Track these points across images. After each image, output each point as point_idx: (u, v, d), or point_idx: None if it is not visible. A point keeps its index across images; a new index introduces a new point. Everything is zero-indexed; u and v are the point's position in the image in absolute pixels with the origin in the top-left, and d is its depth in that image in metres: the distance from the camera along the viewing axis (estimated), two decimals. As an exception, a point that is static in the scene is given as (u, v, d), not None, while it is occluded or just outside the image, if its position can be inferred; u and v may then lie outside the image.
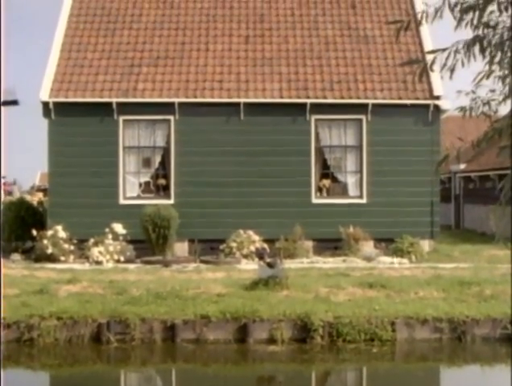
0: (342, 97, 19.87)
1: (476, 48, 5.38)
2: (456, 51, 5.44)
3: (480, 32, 5.42)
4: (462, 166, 30.40)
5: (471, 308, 12.04)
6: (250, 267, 16.33)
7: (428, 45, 20.37)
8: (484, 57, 5.45)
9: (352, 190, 20.18)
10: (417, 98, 19.71)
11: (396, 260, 18.23)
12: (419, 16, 5.72)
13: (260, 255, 17.90)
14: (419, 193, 19.71)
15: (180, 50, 21.02)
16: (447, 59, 5.50)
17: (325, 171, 20.20)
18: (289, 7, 22.55)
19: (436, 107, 19.63)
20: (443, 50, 5.56)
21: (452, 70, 5.49)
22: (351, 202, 19.92)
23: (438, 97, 19.52)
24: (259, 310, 11.48)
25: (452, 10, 5.53)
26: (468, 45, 5.37)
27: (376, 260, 18.26)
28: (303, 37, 21.55)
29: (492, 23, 5.45)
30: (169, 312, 11.50)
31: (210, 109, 19.66)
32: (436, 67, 5.87)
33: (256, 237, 18.88)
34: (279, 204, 19.53)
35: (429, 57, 5.77)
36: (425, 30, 20.59)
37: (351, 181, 20.22)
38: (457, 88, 5.71)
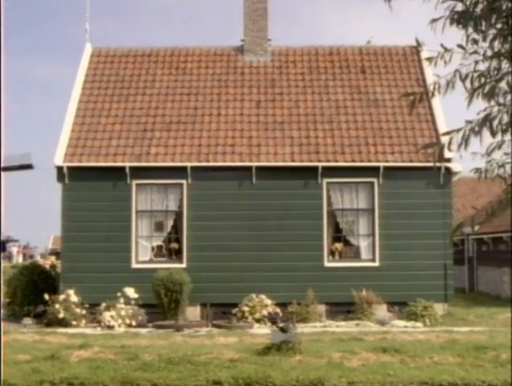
0: (353, 161, 19.99)
1: (486, 128, 5.43)
2: (472, 130, 5.46)
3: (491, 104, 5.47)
4: (475, 228, 30.29)
5: (487, 373, 11.84)
6: (263, 331, 16.20)
7: (437, 107, 20.57)
8: (494, 137, 5.49)
9: (364, 253, 20.12)
10: (428, 161, 19.74)
11: (410, 324, 18.04)
12: (430, 88, 5.76)
13: (273, 319, 17.85)
14: (432, 256, 19.61)
15: (192, 115, 21.30)
16: (463, 138, 5.51)
17: (337, 235, 20.19)
18: (300, 72, 22.88)
19: (448, 169, 19.68)
20: (458, 130, 5.57)
21: (467, 141, 5.51)
22: (363, 265, 19.84)
23: (449, 160, 19.57)
24: (272, 375, 11.34)
25: (463, 81, 5.57)
26: (480, 124, 5.41)
27: (389, 324, 18.08)
28: (314, 101, 21.80)
29: (501, 100, 5.50)
30: (181, 378, 11.38)
31: (222, 173, 19.80)
32: (453, 146, 5.88)
33: (268, 301, 18.77)
34: (292, 268, 19.47)
35: (444, 139, 5.79)
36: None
37: (363, 244, 20.17)
38: (470, 149, 5.73)
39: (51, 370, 11.59)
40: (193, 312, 19.22)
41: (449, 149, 5.76)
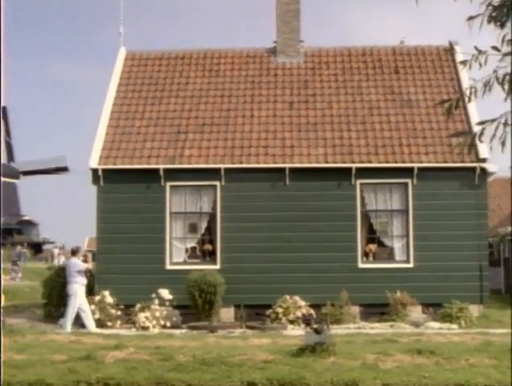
0: (387, 161, 19.90)
1: None
2: (506, 123, 5.41)
3: None
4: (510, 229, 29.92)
5: (524, 376, 11.69)
6: (297, 333, 16.18)
7: (472, 107, 20.37)
8: None
9: (398, 254, 20.02)
10: (463, 161, 19.60)
11: (445, 325, 17.91)
12: (467, 92, 5.71)
13: (307, 321, 17.84)
14: (467, 257, 19.44)
15: (226, 116, 21.37)
16: (496, 130, 5.45)
17: (371, 236, 20.11)
18: (333, 73, 22.84)
19: (483, 170, 19.50)
20: (492, 121, 5.52)
21: (504, 143, 5.45)
22: (398, 266, 19.73)
23: (484, 160, 19.39)
24: (306, 377, 11.33)
25: (500, 83, 5.51)
26: None
27: (424, 326, 17.97)
28: (347, 102, 21.75)
29: None
30: (215, 379, 11.41)
31: (255, 175, 19.84)
32: (485, 138, 5.82)
33: (302, 303, 18.76)
34: (325, 269, 19.44)
35: (477, 128, 5.74)
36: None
37: (397, 245, 20.07)
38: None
39: (87, 370, 11.70)
40: (227, 313, 19.28)
41: (480, 141, 5.71)
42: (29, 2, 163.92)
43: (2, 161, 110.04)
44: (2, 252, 12.90)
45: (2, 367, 10.31)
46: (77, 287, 18.16)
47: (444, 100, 6.05)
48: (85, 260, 19.02)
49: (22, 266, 57.91)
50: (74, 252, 18.94)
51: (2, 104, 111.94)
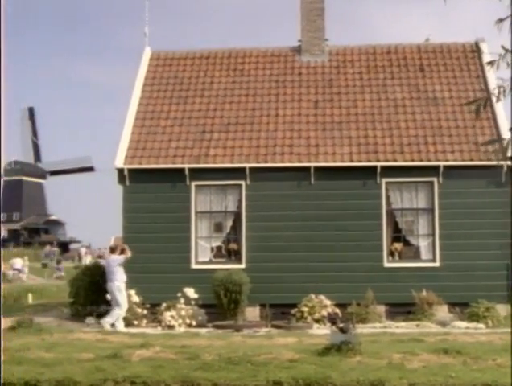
0: (412, 160, 19.80)
1: None
2: None
3: None
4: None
5: (552, 376, 11.59)
6: (322, 332, 16.17)
7: (498, 105, 20.17)
8: None
9: (424, 253, 19.91)
10: (489, 159, 19.43)
11: (471, 325, 17.79)
12: (495, 92, 5.67)
13: (332, 320, 17.82)
14: (494, 256, 19.27)
15: (251, 116, 21.39)
16: None
17: (397, 235, 20.01)
18: (357, 72, 22.78)
19: (509, 168, 19.32)
20: None
21: None
22: (424, 265, 19.63)
23: (511, 158, 19.20)
24: (331, 376, 11.32)
25: None
26: None
27: (450, 325, 17.86)
28: (372, 100, 21.67)
29: None
30: (241, 378, 11.44)
31: (280, 174, 19.84)
32: None
33: (328, 302, 18.74)
34: (351, 268, 19.40)
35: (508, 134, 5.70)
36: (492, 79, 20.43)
37: (423, 244, 19.96)
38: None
39: (114, 368, 11.79)
40: (252, 312, 19.30)
41: None
42: (54, 4, 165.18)
43: (30, 161, 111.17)
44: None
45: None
46: (120, 284, 18.19)
47: (472, 101, 6.04)
48: (122, 252, 18.78)
49: (50, 265, 58.48)
50: (113, 250, 18.82)
51: (29, 105, 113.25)
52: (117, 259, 18.45)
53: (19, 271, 52.10)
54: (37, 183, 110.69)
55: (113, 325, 18.00)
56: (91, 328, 17.75)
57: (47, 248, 74.41)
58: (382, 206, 19.76)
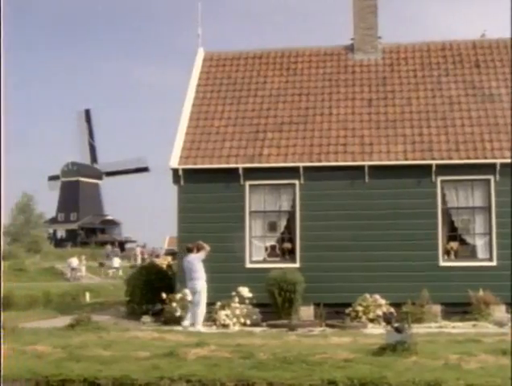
0: (468, 158, 19.53)
1: None
2: None
3: None
4: None
5: None
6: (377, 331, 16.07)
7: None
8: None
9: (481, 252, 19.61)
10: (548, 156, 19.05)
11: (530, 325, 17.48)
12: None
13: (387, 319, 17.67)
14: (553, 255, 18.89)
15: (304, 115, 21.38)
16: None
17: (452, 234, 19.77)
18: (411, 69, 22.58)
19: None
20: None
21: None
22: (480, 265, 19.35)
23: None
24: (387, 376, 11.24)
25: None
26: None
27: (508, 326, 17.56)
28: (426, 98, 21.46)
29: None
30: (296, 377, 11.44)
31: (334, 173, 19.77)
32: None
33: (382, 301, 18.62)
34: (406, 267, 19.23)
35: None
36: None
37: (480, 243, 19.67)
38: None
39: (170, 367, 11.90)
40: (307, 311, 19.28)
41: None
42: (108, 6, 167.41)
43: (86, 162, 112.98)
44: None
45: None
46: (203, 283, 18.09)
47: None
48: (199, 250, 18.64)
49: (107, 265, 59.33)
50: (189, 250, 18.49)
51: (86, 107, 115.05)
52: (197, 257, 18.23)
53: (76, 270, 53.10)
54: (93, 184, 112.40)
55: (192, 325, 17.89)
56: (147, 326, 17.96)
57: (108, 247, 75.57)
58: (438, 204, 19.54)
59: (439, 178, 19.53)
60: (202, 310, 18.08)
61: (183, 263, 18.51)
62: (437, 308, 18.88)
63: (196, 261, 18.18)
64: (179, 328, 17.66)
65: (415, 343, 12.92)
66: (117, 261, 49.05)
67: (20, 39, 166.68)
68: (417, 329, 15.40)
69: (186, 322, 18.01)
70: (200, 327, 17.65)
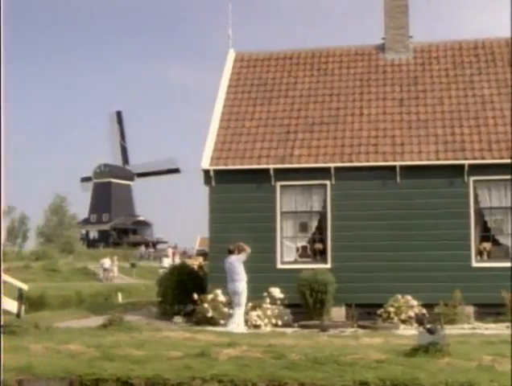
0: (502, 157, 19.32)
1: None
2: None
3: None
4: None
5: None
6: (409, 333, 15.97)
7: None
8: None
9: (515, 253, 19.41)
10: None
11: None
12: None
13: (420, 320, 17.56)
14: None
15: (335, 115, 21.33)
16: None
17: (485, 234, 19.58)
18: (443, 68, 22.43)
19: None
20: None
21: None
22: (514, 265, 19.12)
23: None
24: (419, 377, 11.18)
25: None
26: None
27: (543, 327, 17.34)
28: (458, 97, 21.30)
29: None
30: (327, 378, 11.41)
31: (366, 173, 19.71)
32: None
33: (414, 302, 18.50)
34: (437, 268, 19.09)
35: None
36: None
37: (513, 243, 19.46)
38: None
39: (202, 367, 11.94)
40: (338, 312, 19.23)
41: None
42: (139, 6, 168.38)
43: (118, 164, 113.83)
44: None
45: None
46: (244, 285, 17.89)
47: None
48: (240, 252, 18.61)
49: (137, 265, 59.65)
50: (231, 251, 18.21)
51: (118, 109, 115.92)
52: (238, 258, 18.07)
53: (108, 271, 53.54)
54: (125, 185, 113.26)
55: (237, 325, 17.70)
56: (178, 327, 18.03)
57: (142, 249, 76.13)
58: (470, 204, 19.37)
59: (472, 178, 19.35)
60: (242, 312, 17.99)
61: (225, 264, 18.19)
62: (470, 309, 18.71)
63: (236, 263, 18.03)
64: (210, 328, 17.72)
65: (448, 344, 12.83)
66: (166, 261, 49.50)
67: (57, 41, 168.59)
68: (449, 330, 15.28)
69: (233, 325, 17.67)
70: (242, 328, 17.57)
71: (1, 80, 11.62)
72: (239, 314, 17.93)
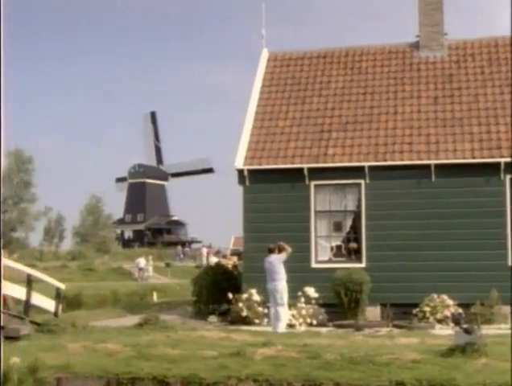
0: (538, 155, 19.09)
1: None
2: None
3: None
4: None
5: None
6: (445, 333, 15.84)
7: None
8: None
9: (553, 252, 19.15)
10: None
11: None
12: None
13: (456, 320, 17.41)
14: None
15: (369, 114, 21.24)
16: None
17: (522, 233, 19.35)
18: (479, 65, 22.20)
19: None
20: None
21: None
22: (552, 265, 18.89)
23: None
24: (456, 378, 11.08)
25: None
26: None
27: None
28: (494, 95, 21.08)
29: None
30: (363, 378, 11.37)
31: (400, 172, 19.59)
32: None
33: (450, 302, 18.37)
34: (473, 267, 18.91)
35: None
36: None
37: (551, 242, 19.20)
38: None
39: (237, 366, 11.97)
40: (373, 312, 19.15)
41: None
42: (171, 7, 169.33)
43: (152, 164, 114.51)
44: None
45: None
46: (284, 284, 17.51)
47: None
48: (280, 251, 18.44)
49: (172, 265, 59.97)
50: (271, 250, 17.83)
51: (152, 110, 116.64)
52: (279, 258, 17.71)
53: (144, 270, 53.88)
54: (159, 185, 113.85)
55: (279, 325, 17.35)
56: (213, 326, 18.09)
57: (179, 248, 76.58)
58: (507, 203, 19.15)
59: (508, 177, 19.14)
60: (285, 310, 17.67)
61: (264, 264, 17.82)
62: (507, 309, 18.50)
63: (277, 262, 17.77)
64: (245, 328, 17.73)
65: (485, 345, 12.69)
66: (213, 261, 49.71)
67: (96, 43, 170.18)
68: (486, 330, 15.12)
69: (281, 323, 17.29)
70: (283, 328, 17.18)
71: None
72: (285, 313, 17.60)
